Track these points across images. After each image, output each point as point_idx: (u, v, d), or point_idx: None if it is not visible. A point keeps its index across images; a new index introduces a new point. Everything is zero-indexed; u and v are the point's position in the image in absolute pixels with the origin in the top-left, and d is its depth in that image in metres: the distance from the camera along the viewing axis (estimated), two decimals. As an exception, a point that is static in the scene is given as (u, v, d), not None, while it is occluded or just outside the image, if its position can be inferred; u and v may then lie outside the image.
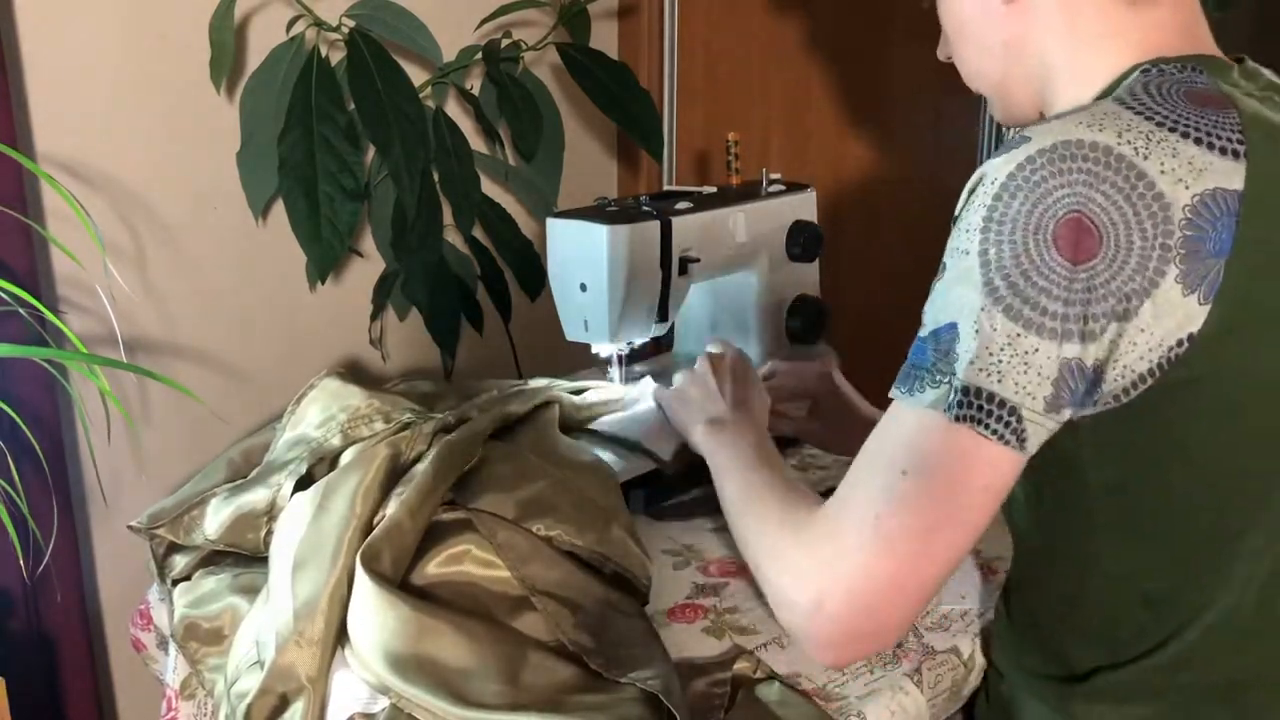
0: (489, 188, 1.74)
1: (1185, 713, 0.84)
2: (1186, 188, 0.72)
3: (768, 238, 1.42)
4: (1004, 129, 1.80)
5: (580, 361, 1.46)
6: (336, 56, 1.52)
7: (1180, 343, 0.73)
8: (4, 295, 1.19)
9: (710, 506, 1.29)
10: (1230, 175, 0.73)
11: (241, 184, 1.54)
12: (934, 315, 0.77)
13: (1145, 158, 0.72)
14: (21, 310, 1.21)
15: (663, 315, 1.33)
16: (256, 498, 1.13)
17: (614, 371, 1.38)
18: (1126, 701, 0.85)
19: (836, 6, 1.99)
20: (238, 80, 1.53)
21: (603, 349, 1.35)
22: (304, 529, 1.02)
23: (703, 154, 2.04)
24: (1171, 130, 0.74)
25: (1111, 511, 0.82)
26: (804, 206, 1.47)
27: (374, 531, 0.99)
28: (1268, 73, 0.86)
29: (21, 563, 1.24)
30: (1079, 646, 0.88)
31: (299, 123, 1.45)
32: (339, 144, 1.46)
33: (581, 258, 1.26)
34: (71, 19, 1.40)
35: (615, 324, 1.27)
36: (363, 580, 0.94)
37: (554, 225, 1.30)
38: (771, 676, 0.96)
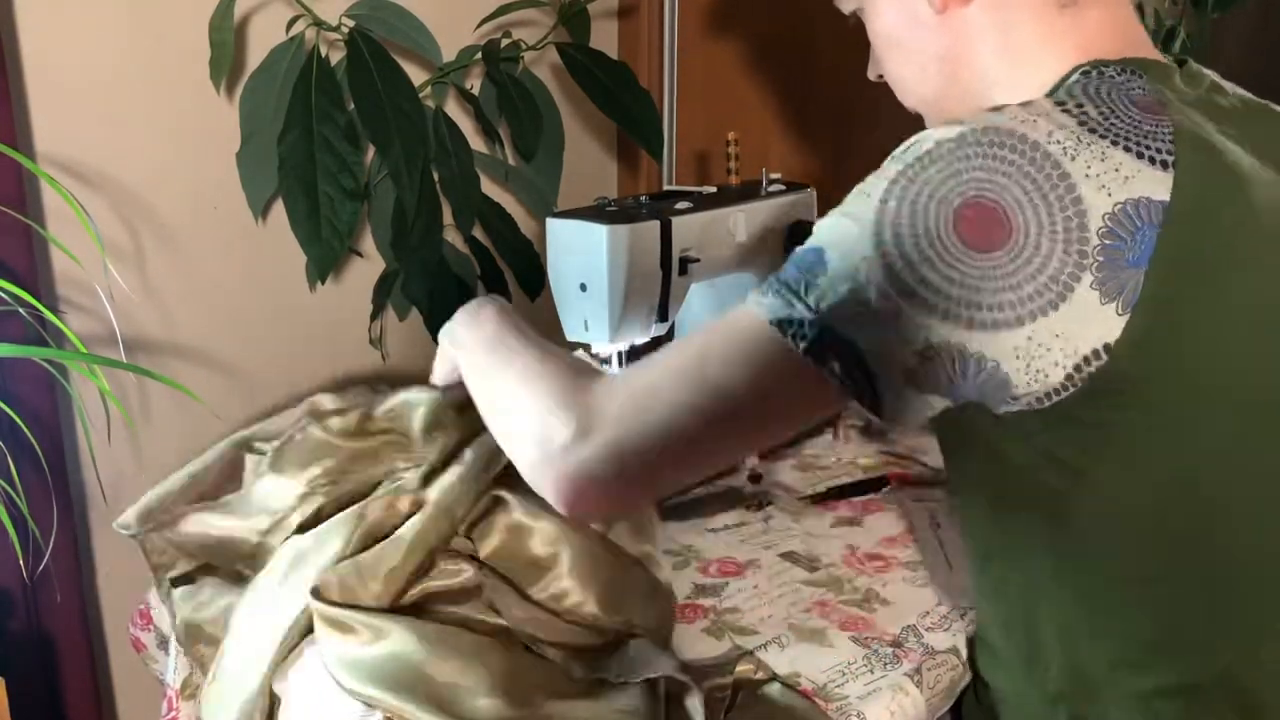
0: (489, 188, 1.74)
1: (1203, 712, 0.83)
2: (1109, 195, 0.70)
3: (768, 238, 1.42)
4: None
5: (580, 361, 1.46)
6: (336, 56, 1.52)
7: (1097, 353, 0.71)
8: (4, 295, 1.19)
9: (712, 507, 1.30)
10: (1157, 185, 0.71)
11: (241, 184, 1.54)
12: (815, 235, 0.76)
13: (1072, 159, 0.71)
14: (21, 310, 1.21)
15: (663, 315, 1.33)
16: (239, 531, 1.08)
17: (614, 371, 1.38)
18: (1145, 702, 0.85)
19: (836, 6, 1.98)
20: (238, 80, 1.53)
21: (603, 349, 1.35)
22: (268, 609, 0.98)
23: (703, 154, 2.04)
24: (1102, 137, 0.72)
25: (1073, 519, 0.80)
26: (804, 206, 1.47)
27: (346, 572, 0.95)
28: (1210, 74, 0.86)
29: (21, 563, 1.24)
30: (1096, 654, 0.86)
31: (299, 122, 1.45)
32: (339, 144, 1.46)
33: (581, 258, 1.26)
34: (71, 19, 1.40)
35: (615, 324, 1.27)
36: (339, 613, 0.92)
37: (554, 225, 1.30)
38: (772, 677, 0.97)
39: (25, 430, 1.22)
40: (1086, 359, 0.72)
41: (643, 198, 1.36)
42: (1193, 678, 0.82)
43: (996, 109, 0.76)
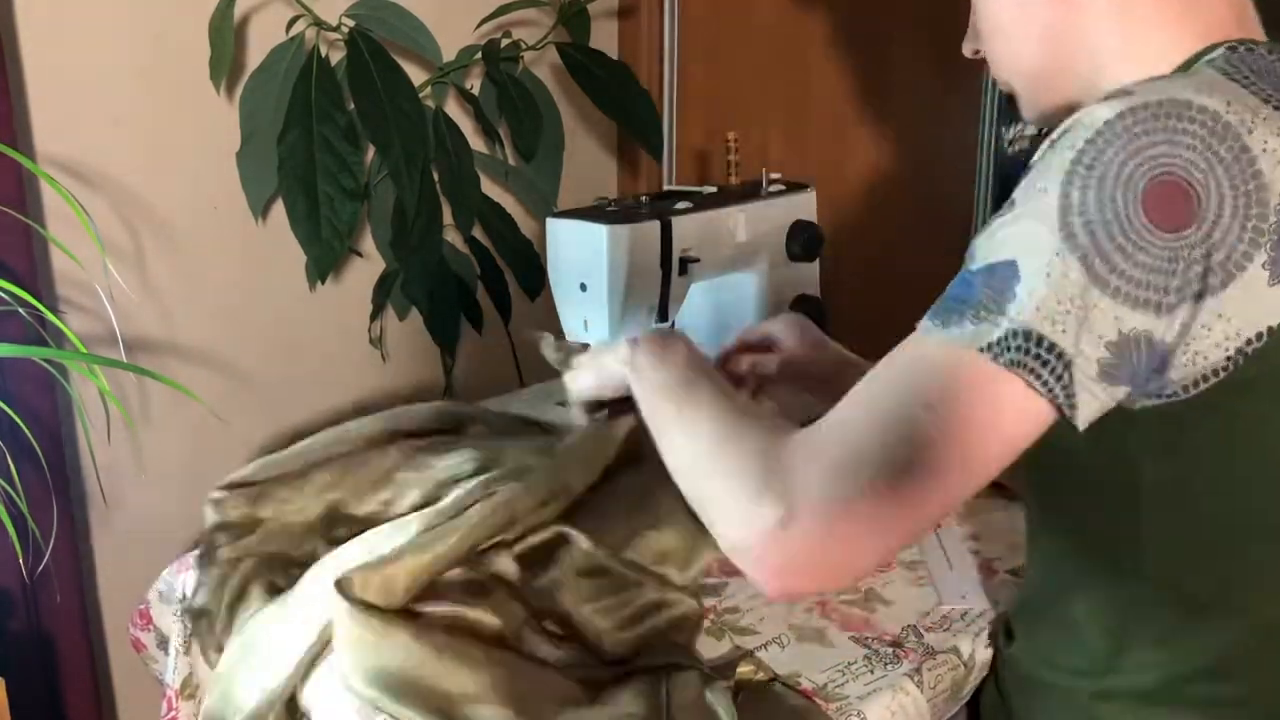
0: (489, 188, 1.74)
1: None
2: None
3: (768, 238, 1.42)
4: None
5: (580, 361, 1.46)
6: (336, 56, 1.52)
7: (1260, 335, 0.69)
8: (4, 295, 1.19)
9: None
10: None
11: (241, 184, 1.54)
12: (990, 249, 0.71)
13: (1250, 131, 0.68)
14: (21, 310, 1.21)
15: (663, 315, 1.33)
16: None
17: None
18: (1152, 704, 0.84)
19: (836, 6, 1.99)
20: (237, 80, 1.53)
21: (603, 349, 1.35)
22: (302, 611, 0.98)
23: (703, 154, 2.04)
24: (1277, 108, 0.69)
25: (1165, 511, 0.79)
26: (804, 206, 1.47)
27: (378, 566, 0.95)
28: None
29: (21, 563, 1.24)
30: (1108, 645, 0.85)
31: (299, 122, 1.45)
32: (339, 144, 1.46)
33: (581, 258, 1.26)
34: (71, 19, 1.40)
35: (615, 324, 1.27)
36: (352, 611, 0.92)
37: (554, 225, 1.30)
38: (773, 678, 0.97)
39: (25, 430, 1.22)
40: (1250, 341, 0.69)
41: (643, 198, 1.36)
42: (1270, 692, 0.81)
43: (1156, 79, 0.73)
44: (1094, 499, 0.83)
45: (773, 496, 0.71)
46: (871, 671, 0.99)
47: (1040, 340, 0.67)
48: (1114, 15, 0.80)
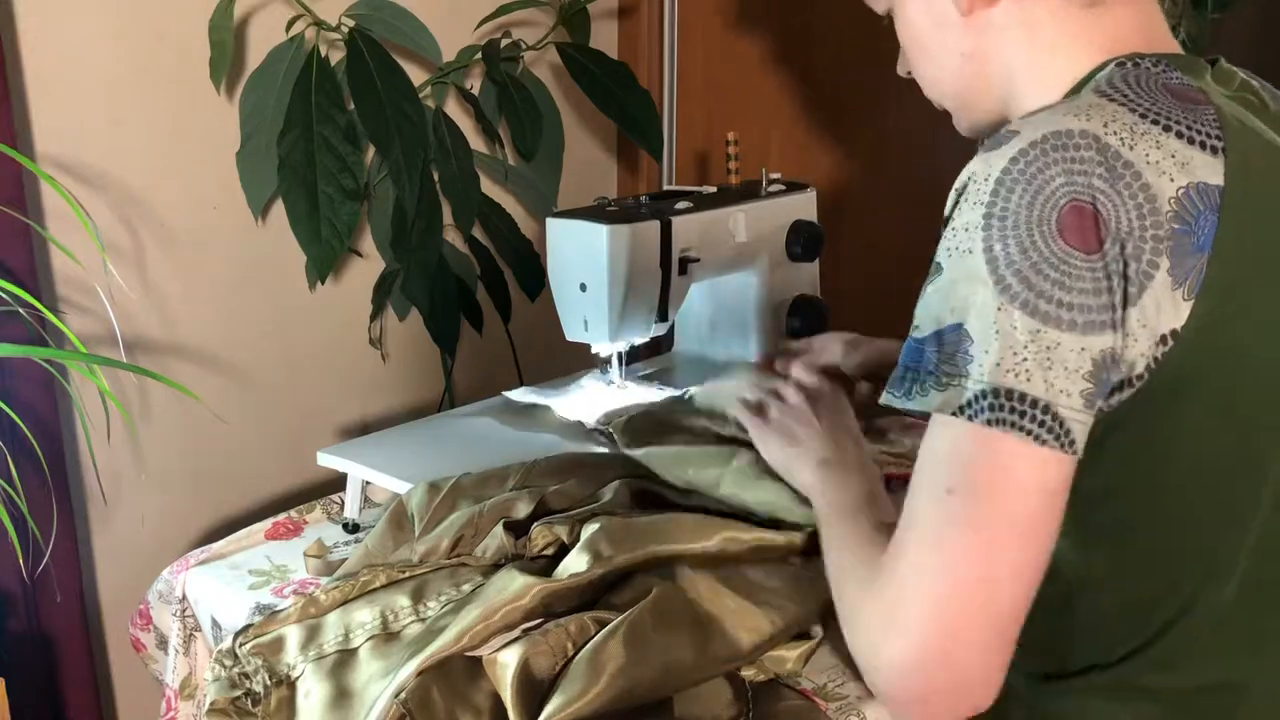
0: (489, 188, 1.74)
1: (1182, 714, 0.84)
2: (1171, 180, 0.71)
3: (768, 238, 1.42)
4: None
5: (580, 362, 1.46)
6: (336, 56, 1.52)
7: (1164, 339, 0.72)
8: (4, 295, 1.19)
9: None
10: (1211, 170, 0.72)
11: (241, 184, 1.54)
12: (933, 315, 0.74)
13: (1130, 148, 0.71)
14: (21, 310, 1.21)
15: (663, 315, 1.33)
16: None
17: (614, 371, 1.38)
18: (1121, 700, 0.85)
19: (836, 6, 1.98)
20: (237, 80, 1.53)
21: (603, 349, 1.35)
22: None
23: (703, 154, 2.04)
24: (1154, 123, 0.73)
25: (1101, 518, 0.80)
26: (804, 206, 1.47)
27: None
28: (1242, 73, 0.86)
29: (21, 563, 1.24)
30: (1068, 647, 0.86)
31: (299, 123, 1.45)
32: (339, 144, 1.46)
33: (581, 258, 1.26)
34: (71, 19, 1.40)
35: (615, 324, 1.27)
36: None
37: (554, 225, 1.30)
38: (773, 678, 0.97)
39: (25, 430, 1.22)
40: (1158, 346, 0.72)
41: (643, 198, 1.36)
42: (1227, 676, 0.82)
43: (1041, 111, 0.76)
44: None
45: (873, 641, 0.74)
46: (871, 671, 0.98)
47: (1010, 394, 0.69)
48: (1021, 38, 0.84)
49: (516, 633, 0.93)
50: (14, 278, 1.29)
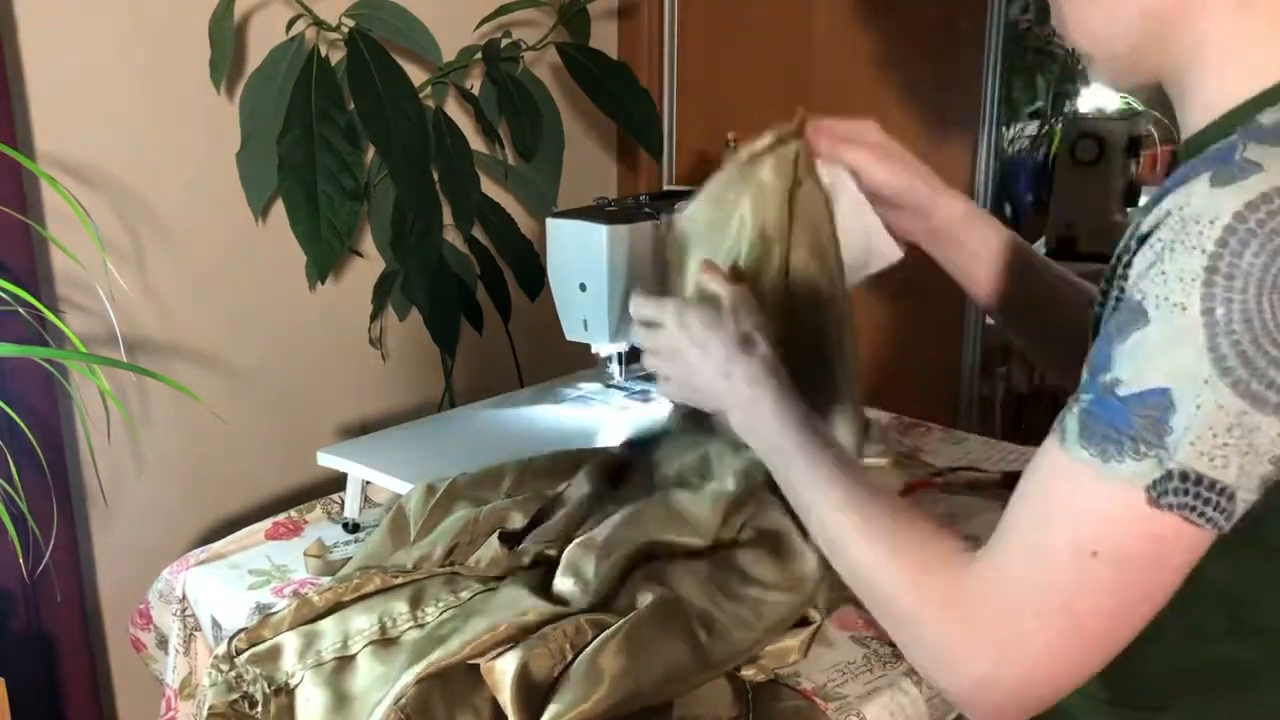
0: (489, 188, 1.74)
1: None
2: None
3: (768, 238, 1.42)
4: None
5: (580, 362, 1.46)
6: (336, 56, 1.52)
7: None
8: (4, 295, 1.19)
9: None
10: None
11: (241, 183, 1.54)
12: (1135, 371, 0.66)
13: None
14: (21, 310, 1.21)
15: (662, 315, 1.33)
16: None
17: (614, 371, 1.38)
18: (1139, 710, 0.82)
19: (836, 6, 1.99)
20: (238, 80, 1.53)
21: (602, 349, 1.35)
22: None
23: (703, 154, 2.04)
24: None
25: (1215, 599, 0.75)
26: (804, 206, 1.47)
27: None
28: None
29: (21, 562, 1.24)
30: (1168, 677, 0.80)
31: (299, 122, 1.45)
32: (339, 144, 1.46)
33: (581, 258, 1.26)
34: (71, 19, 1.40)
35: (615, 324, 1.27)
36: None
37: (554, 225, 1.30)
38: (773, 678, 0.97)
39: (25, 430, 1.22)
40: None
41: (643, 198, 1.36)
42: None
43: (1274, 147, 0.65)
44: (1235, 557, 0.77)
45: (975, 659, 0.72)
46: (870, 671, 0.99)
47: (1200, 479, 0.64)
48: (1230, 8, 0.73)
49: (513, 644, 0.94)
50: (14, 278, 1.29)
